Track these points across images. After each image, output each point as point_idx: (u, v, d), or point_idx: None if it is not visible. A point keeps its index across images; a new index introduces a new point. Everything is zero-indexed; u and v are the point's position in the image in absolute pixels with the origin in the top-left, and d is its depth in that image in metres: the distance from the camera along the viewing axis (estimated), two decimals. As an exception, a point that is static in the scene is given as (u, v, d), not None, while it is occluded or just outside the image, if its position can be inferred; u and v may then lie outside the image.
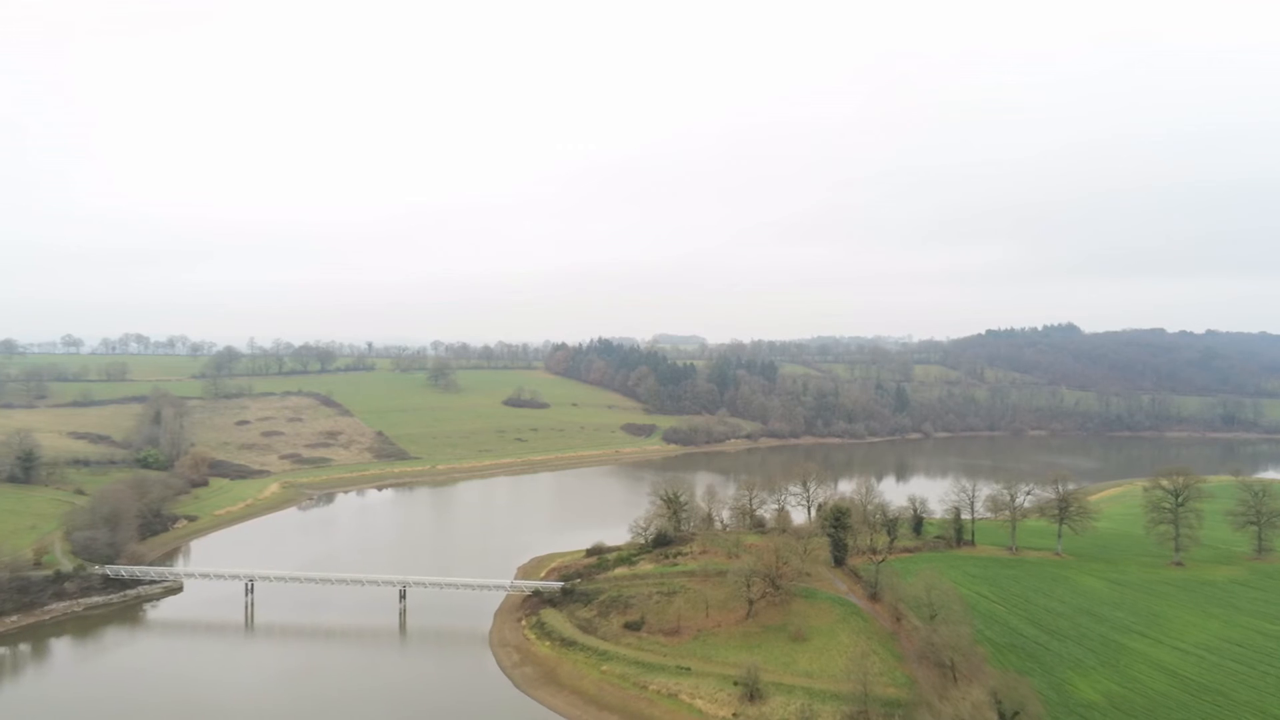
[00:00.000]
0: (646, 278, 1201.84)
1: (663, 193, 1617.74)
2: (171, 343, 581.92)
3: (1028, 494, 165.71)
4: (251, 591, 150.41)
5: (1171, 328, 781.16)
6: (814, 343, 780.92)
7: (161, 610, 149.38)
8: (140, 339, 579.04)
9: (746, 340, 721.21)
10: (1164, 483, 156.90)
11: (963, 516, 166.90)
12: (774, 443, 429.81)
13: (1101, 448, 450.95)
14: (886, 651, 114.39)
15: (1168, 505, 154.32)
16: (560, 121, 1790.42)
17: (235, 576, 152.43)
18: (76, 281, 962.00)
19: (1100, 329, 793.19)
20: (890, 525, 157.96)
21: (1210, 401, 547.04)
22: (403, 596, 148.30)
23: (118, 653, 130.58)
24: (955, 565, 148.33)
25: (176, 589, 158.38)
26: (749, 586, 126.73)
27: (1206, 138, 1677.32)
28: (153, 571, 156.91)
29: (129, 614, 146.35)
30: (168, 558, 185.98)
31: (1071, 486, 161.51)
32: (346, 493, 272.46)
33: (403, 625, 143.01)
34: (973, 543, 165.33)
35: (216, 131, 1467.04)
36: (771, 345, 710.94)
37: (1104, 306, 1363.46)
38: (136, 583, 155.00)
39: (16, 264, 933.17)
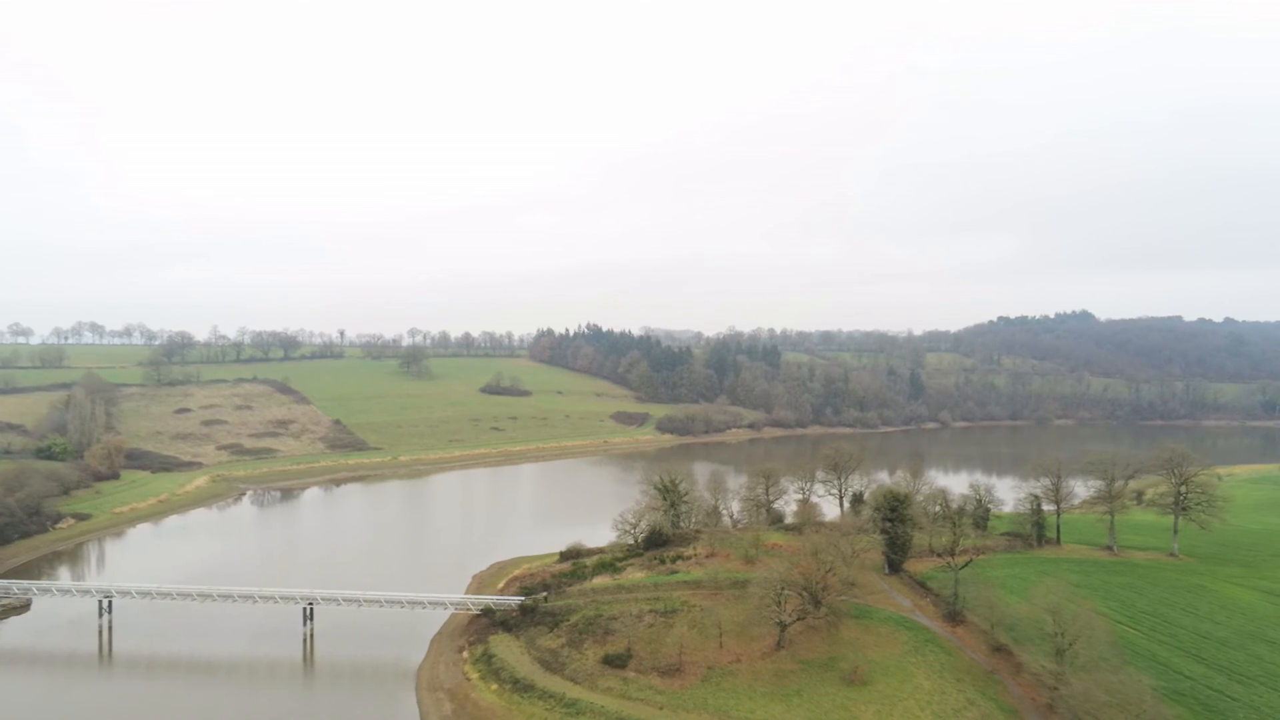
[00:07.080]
0: (644, 278, 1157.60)
1: (661, 194, 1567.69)
2: (129, 331, 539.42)
3: (1128, 479, 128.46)
4: (109, 611, 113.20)
5: (1188, 316, 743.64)
6: (816, 333, 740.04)
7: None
8: (95, 328, 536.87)
9: (745, 330, 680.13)
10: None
11: (1043, 508, 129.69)
12: (779, 433, 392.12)
13: (1134, 437, 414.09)
14: (990, 702, 77.15)
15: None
16: (558, 122, 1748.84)
17: (86, 592, 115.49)
18: (67, 282, 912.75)
19: (1115, 317, 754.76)
20: (954, 519, 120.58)
21: (1250, 388, 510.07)
22: (309, 617, 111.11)
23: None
24: (1043, 570, 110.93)
25: (21, 607, 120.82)
26: (780, 604, 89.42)
27: (1211, 124, 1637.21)
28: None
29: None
30: (39, 565, 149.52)
31: (1193, 468, 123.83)
32: (303, 487, 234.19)
33: (308, 656, 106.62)
34: (1057, 541, 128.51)
35: (216, 129, 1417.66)
36: (772, 333, 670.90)
37: (1112, 298, 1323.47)
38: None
39: (15, 266, 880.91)
